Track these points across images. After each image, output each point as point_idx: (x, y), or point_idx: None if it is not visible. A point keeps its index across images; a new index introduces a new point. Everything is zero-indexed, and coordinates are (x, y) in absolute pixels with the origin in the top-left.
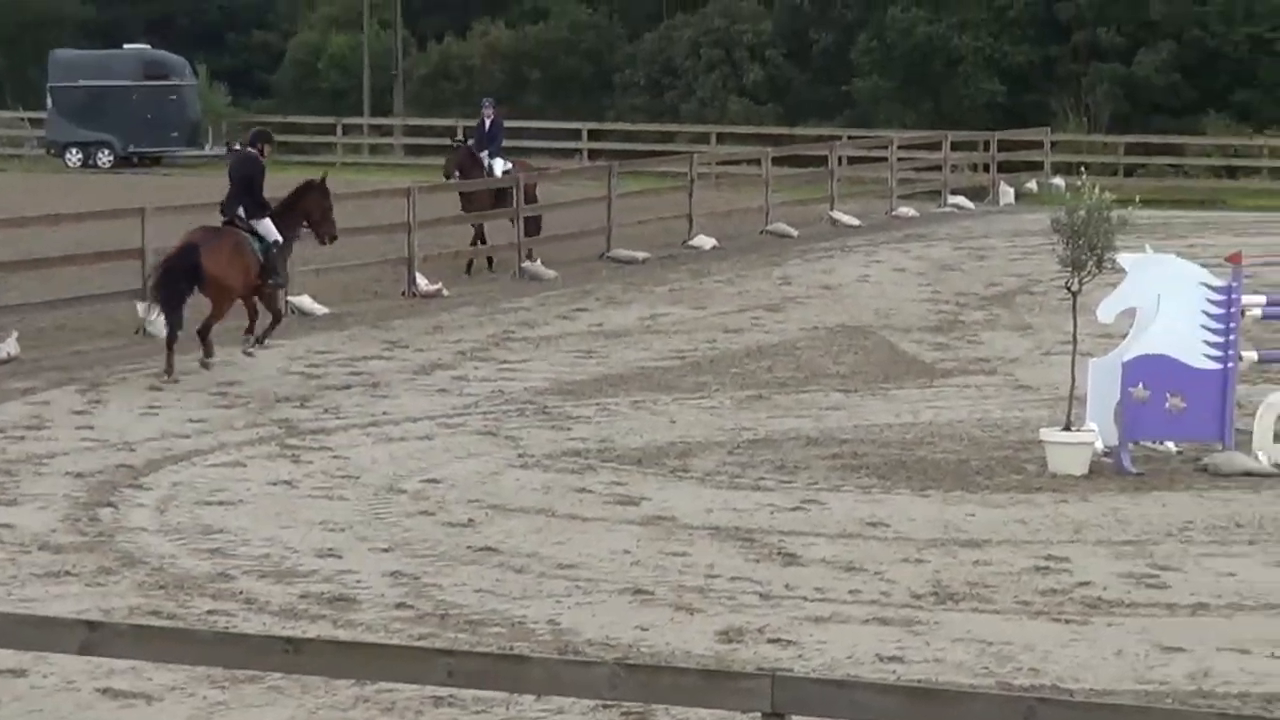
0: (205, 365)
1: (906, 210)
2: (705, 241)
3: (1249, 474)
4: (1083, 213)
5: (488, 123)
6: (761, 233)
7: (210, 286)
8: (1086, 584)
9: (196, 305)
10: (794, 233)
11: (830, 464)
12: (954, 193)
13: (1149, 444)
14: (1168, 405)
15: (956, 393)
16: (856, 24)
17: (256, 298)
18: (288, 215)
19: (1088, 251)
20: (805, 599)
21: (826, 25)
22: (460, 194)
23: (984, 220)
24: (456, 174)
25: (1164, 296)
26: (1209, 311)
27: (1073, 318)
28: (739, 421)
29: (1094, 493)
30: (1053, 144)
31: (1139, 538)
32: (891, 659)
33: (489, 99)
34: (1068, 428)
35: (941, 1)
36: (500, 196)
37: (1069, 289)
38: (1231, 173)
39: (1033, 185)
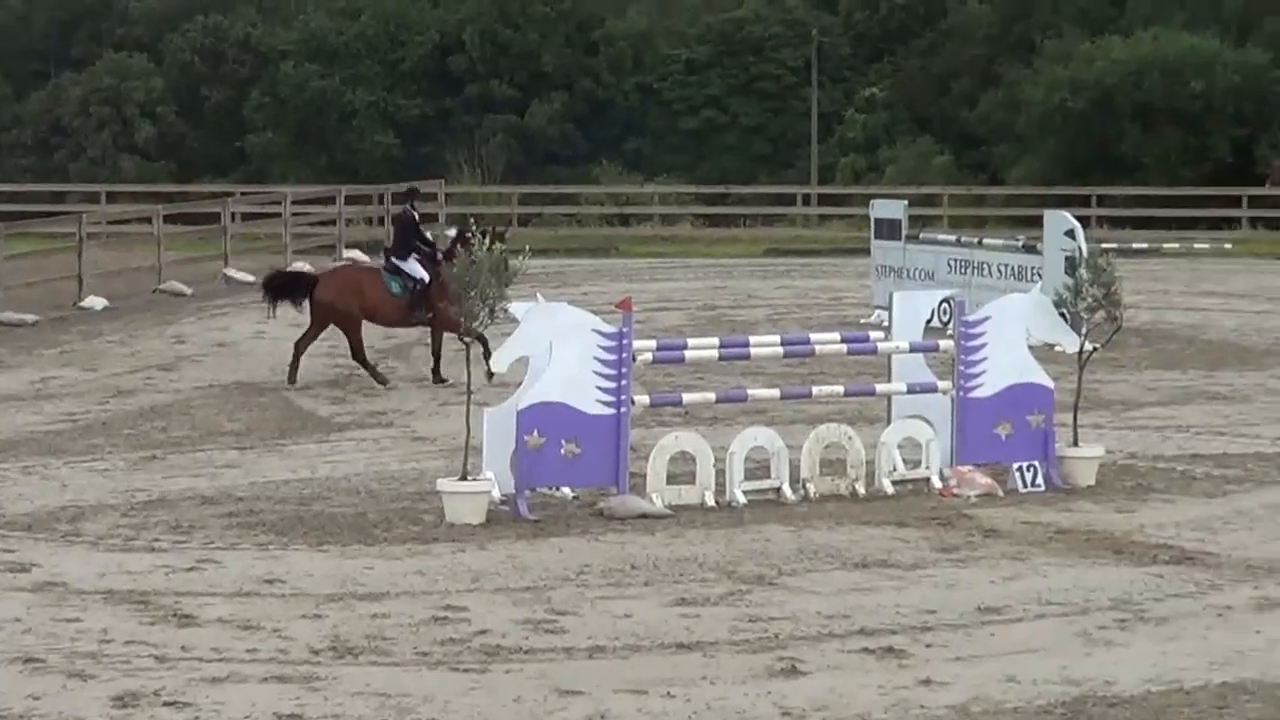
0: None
1: (302, 265)
2: (96, 302)
3: (644, 516)
4: (474, 264)
5: None
6: (154, 291)
7: (317, 310)
8: (485, 632)
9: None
10: (188, 291)
11: (226, 522)
12: (349, 246)
13: (546, 490)
14: (563, 451)
15: (354, 447)
16: (249, 80)
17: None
18: (451, 258)
19: (481, 302)
20: (202, 660)
21: (218, 82)
22: None
23: None
24: None
25: (556, 344)
26: (600, 357)
27: (467, 368)
28: (133, 483)
29: (492, 541)
30: (448, 195)
31: (537, 583)
32: (291, 716)
33: None
34: (464, 477)
35: (333, 57)
36: None
37: (462, 339)
38: (624, 220)
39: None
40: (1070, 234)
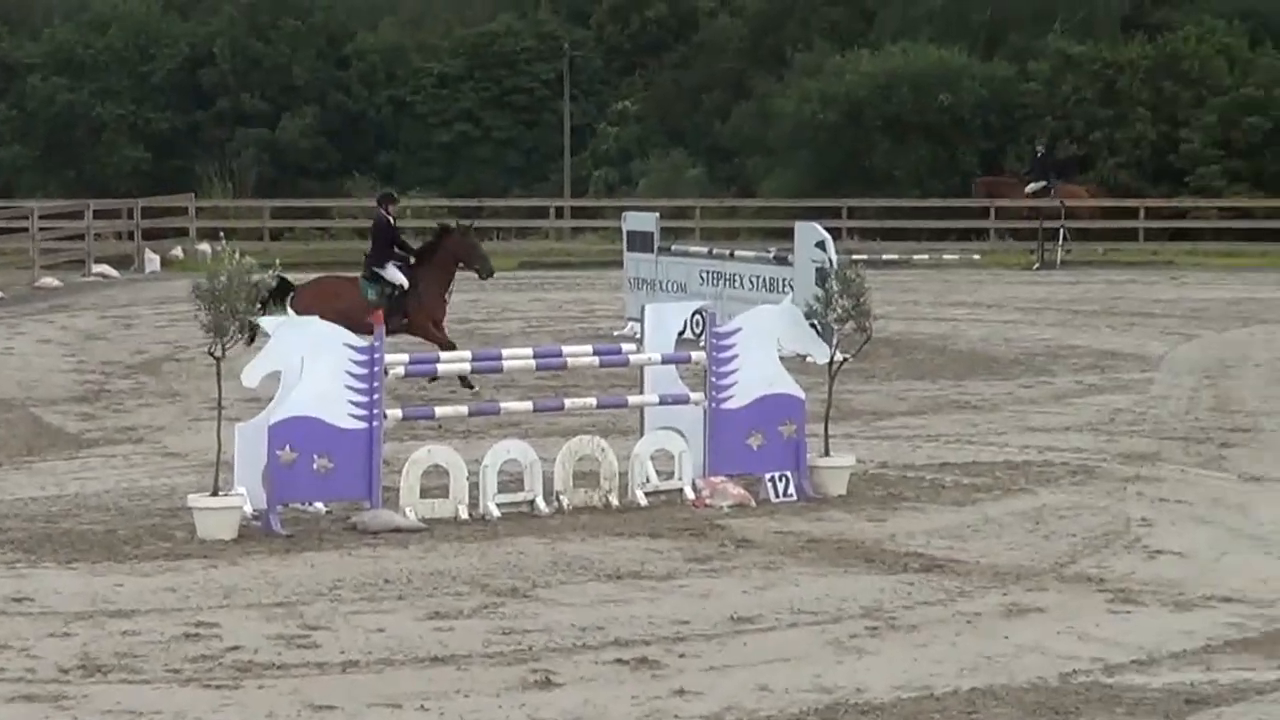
0: None
1: (50, 281)
2: None
3: (397, 530)
4: (223, 278)
5: None
6: None
7: None
8: (237, 648)
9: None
10: None
11: None
12: (99, 261)
13: (299, 505)
14: (315, 466)
15: (103, 463)
16: None
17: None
18: (428, 261)
19: (230, 316)
20: None
21: None
22: None
23: (130, 288)
24: None
25: (308, 358)
26: (353, 371)
27: (218, 383)
28: None
29: (244, 556)
30: (199, 210)
31: (289, 599)
32: None
33: None
34: (216, 493)
35: (82, 70)
36: None
37: (213, 355)
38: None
39: (178, 252)
40: (821, 245)
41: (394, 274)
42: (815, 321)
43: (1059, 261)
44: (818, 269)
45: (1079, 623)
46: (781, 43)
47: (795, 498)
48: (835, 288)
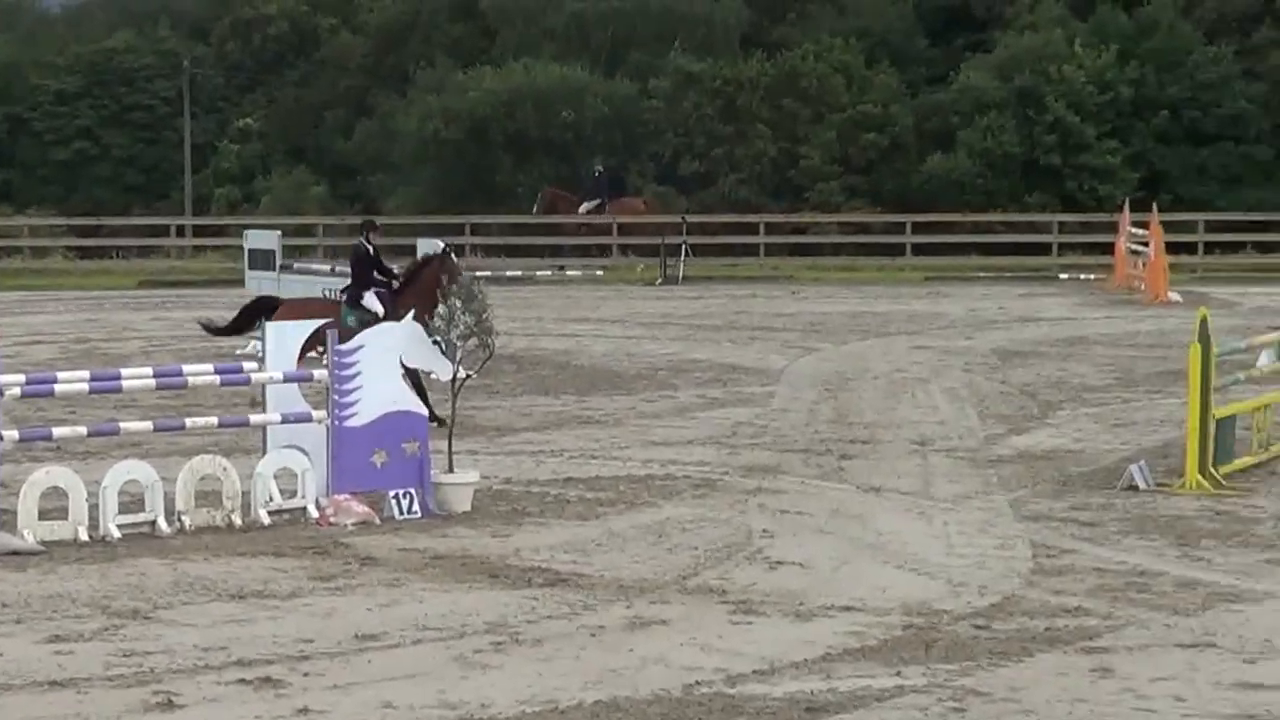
0: None
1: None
2: None
3: (15, 553)
4: None
5: None
6: None
7: None
8: None
9: None
10: None
11: None
12: None
13: None
14: None
15: None
16: None
17: None
18: (411, 288)
19: None
20: None
21: None
22: None
23: None
24: None
25: None
26: None
27: None
28: None
29: None
30: None
31: None
32: None
33: None
34: None
35: None
36: None
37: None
38: None
39: None
40: None
41: (371, 302)
42: (438, 338)
43: (681, 277)
44: None
45: (702, 634)
46: (404, 60)
47: (420, 515)
48: (458, 304)
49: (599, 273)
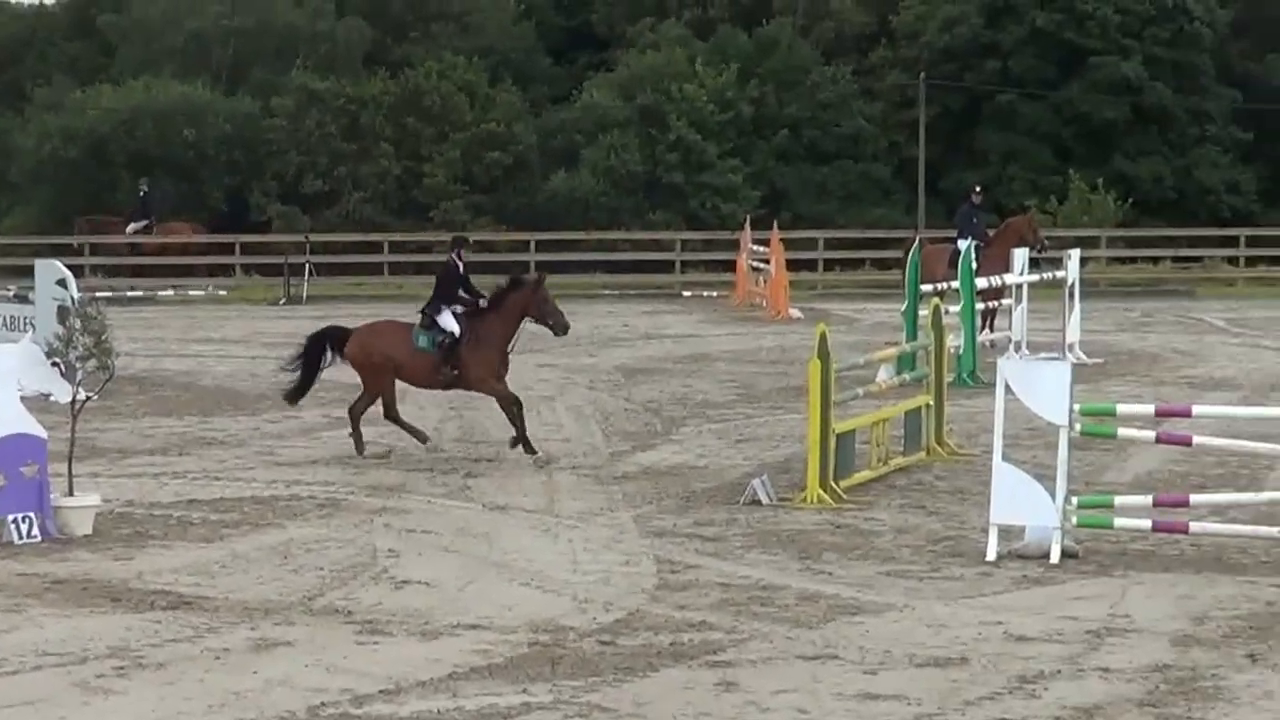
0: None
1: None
2: None
3: None
4: None
5: None
6: None
7: (351, 366)
8: None
9: None
10: None
11: None
12: None
13: None
14: None
15: None
16: None
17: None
18: (496, 312)
19: None
20: None
21: None
22: None
23: None
24: None
25: None
26: None
27: None
28: None
29: None
30: None
31: None
32: None
33: None
34: None
35: None
36: None
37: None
38: None
39: None
40: (62, 283)
41: (448, 321)
42: (57, 360)
43: (305, 296)
44: (60, 307)
45: (327, 655)
46: (21, 77)
47: (39, 539)
48: (76, 325)
49: (222, 293)
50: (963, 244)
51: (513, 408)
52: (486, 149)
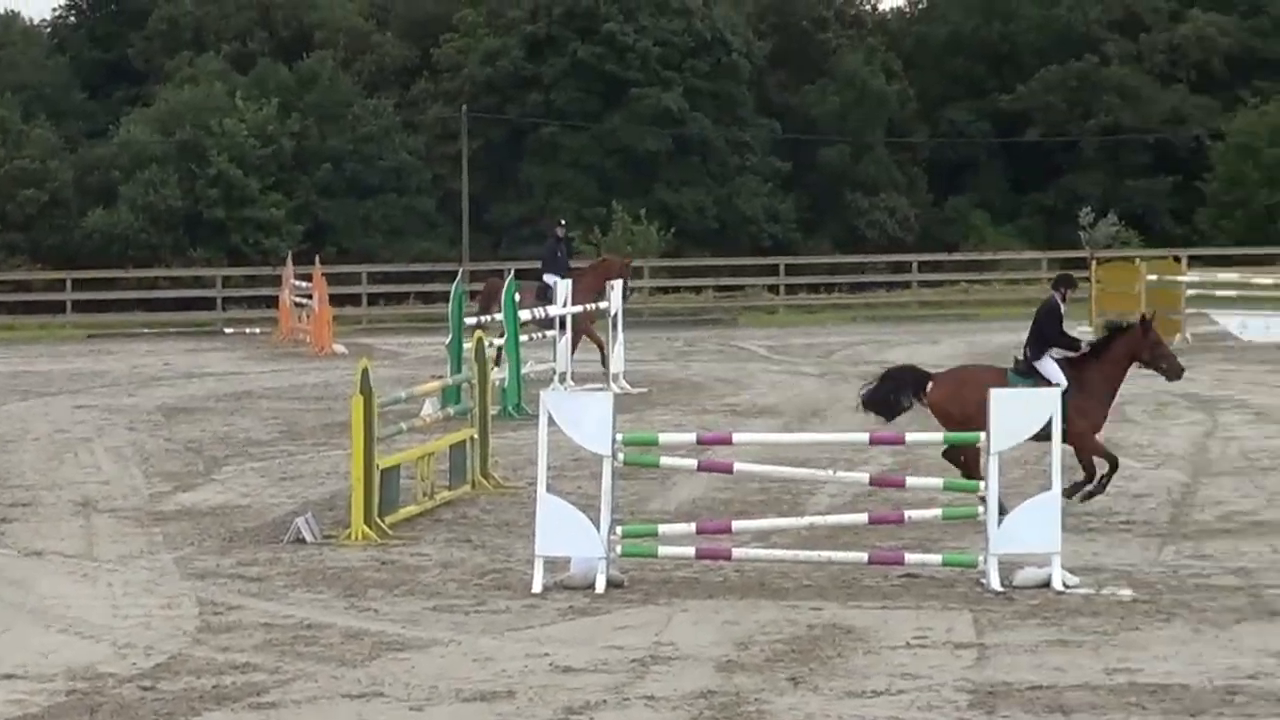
0: None
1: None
2: None
3: None
4: None
5: None
6: None
7: (933, 411)
8: None
9: None
10: None
11: None
12: None
13: None
14: None
15: None
16: None
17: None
18: (1096, 361)
19: None
20: None
21: None
22: None
23: None
24: None
25: None
26: None
27: None
28: None
29: None
30: None
31: None
32: None
33: None
34: None
35: None
36: None
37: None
38: None
39: None
40: None
41: (1053, 370)
42: None
43: None
44: None
45: None
46: None
47: None
48: None
49: None
50: (550, 278)
51: (1106, 471)
52: (20, 186)
